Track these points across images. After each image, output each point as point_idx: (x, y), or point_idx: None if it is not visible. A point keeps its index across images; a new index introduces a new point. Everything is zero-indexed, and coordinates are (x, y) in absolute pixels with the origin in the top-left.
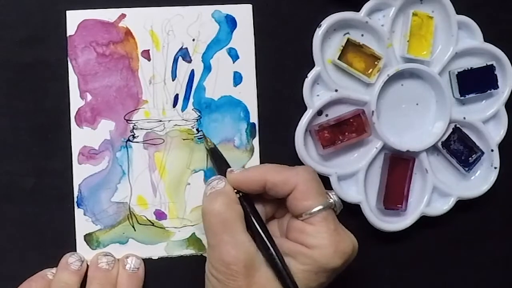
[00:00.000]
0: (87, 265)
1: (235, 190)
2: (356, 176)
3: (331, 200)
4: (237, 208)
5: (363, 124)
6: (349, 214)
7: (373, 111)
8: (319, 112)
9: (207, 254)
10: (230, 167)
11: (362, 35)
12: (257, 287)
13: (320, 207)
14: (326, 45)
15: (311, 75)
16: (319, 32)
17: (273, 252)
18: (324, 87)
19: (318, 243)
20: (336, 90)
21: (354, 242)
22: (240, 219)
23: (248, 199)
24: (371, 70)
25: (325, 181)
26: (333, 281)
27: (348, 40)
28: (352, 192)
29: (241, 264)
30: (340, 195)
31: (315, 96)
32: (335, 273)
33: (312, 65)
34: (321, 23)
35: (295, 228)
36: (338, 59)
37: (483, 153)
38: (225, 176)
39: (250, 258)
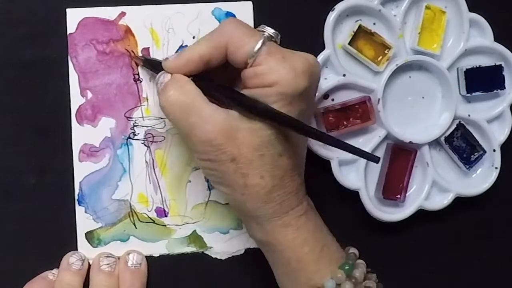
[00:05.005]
0: (89, 264)
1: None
2: (357, 163)
3: (266, 34)
4: (191, 87)
5: (368, 111)
6: (347, 201)
7: (379, 99)
8: (325, 96)
9: (188, 147)
10: None
11: (374, 24)
12: (245, 144)
13: (259, 44)
14: (337, 30)
15: (320, 57)
16: (331, 16)
17: (247, 97)
18: (333, 71)
19: (275, 77)
20: (344, 75)
21: (307, 57)
22: (198, 95)
23: (200, 76)
24: (380, 58)
25: (326, 165)
26: None
27: (359, 26)
28: (352, 178)
29: (221, 134)
30: (340, 180)
31: (322, 79)
32: (311, 91)
33: None
34: (334, 7)
35: (248, 77)
36: (349, 44)
37: (485, 152)
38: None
39: (226, 124)
